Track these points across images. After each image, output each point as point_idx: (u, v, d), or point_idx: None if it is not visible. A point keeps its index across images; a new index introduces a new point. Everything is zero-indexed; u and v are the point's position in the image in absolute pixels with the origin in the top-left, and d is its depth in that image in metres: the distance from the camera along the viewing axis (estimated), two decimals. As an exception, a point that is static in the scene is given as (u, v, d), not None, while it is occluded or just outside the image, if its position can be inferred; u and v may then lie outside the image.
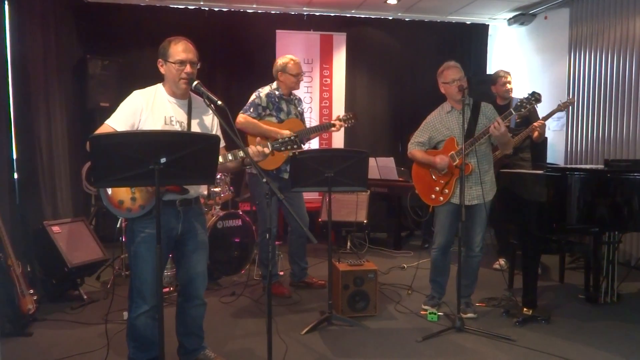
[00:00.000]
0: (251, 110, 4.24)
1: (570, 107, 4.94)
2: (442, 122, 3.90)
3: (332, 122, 4.45)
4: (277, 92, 4.34)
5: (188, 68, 2.74)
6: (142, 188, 2.63)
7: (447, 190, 3.84)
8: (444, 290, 4.07)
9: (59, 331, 3.64)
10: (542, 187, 3.81)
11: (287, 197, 4.17)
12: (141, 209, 2.65)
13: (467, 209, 3.79)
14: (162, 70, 2.80)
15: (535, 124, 4.78)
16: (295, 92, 4.54)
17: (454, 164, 3.79)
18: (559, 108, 4.84)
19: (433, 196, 3.91)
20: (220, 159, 2.79)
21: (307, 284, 4.65)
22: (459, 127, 3.80)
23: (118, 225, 4.49)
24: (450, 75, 3.79)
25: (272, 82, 4.41)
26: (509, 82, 5.05)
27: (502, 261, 5.23)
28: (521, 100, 3.66)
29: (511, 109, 3.69)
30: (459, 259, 3.67)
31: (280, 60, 4.38)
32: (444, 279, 4.05)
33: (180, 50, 2.74)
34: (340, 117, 4.49)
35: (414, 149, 3.99)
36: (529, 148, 5.12)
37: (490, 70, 7.84)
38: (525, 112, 3.86)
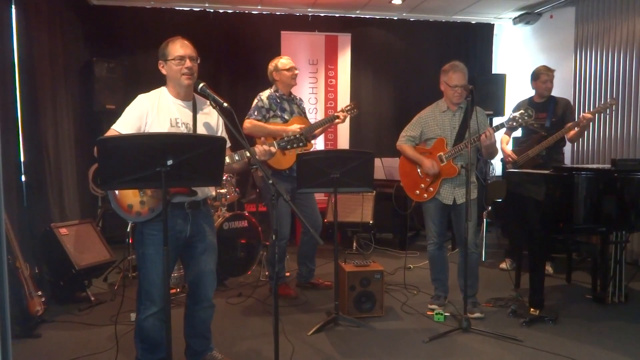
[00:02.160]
0: (255, 113, 4.26)
1: (612, 107, 4.76)
2: (436, 120, 3.92)
3: (335, 114, 4.49)
4: (277, 93, 4.36)
5: (188, 62, 2.75)
6: (151, 191, 2.65)
7: (431, 189, 3.89)
8: (447, 288, 4.09)
9: (67, 332, 3.66)
10: (549, 187, 3.80)
11: (300, 198, 4.19)
12: (151, 212, 2.66)
13: (455, 208, 3.87)
14: (163, 71, 2.81)
15: (584, 114, 4.62)
16: (299, 92, 4.56)
17: (442, 164, 3.84)
18: (600, 108, 4.70)
19: (417, 192, 3.96)
20: (227, 160, 2.80)
21: (314, 285, 4.65)
22: (451, 128, 3.86)
23: (128, 229, 4.51)
24: (455, 80, 3.80)
25: (271, 86, 4.44)
26: (550, 80, 4.89)
27: (509, 261, 5.21)
28: (514, 116, 3.73)
29: (503, 122, 3.76)
30: (461, 260, 3.67)
31: (271, 63, 4.44)
32: (444, 275, 4.07)
33: (177, 46, 2.76)
34: (343, 108, 4.54)
35: (405, 143, 4.02)
36: (562, 150, 5.08)
37: (496, 70, 7.83)
38: (517, 127, 4.06)
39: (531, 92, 5.07)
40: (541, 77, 4.90)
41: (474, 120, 3.80)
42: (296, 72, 4.41)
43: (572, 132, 4.76)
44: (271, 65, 4.42)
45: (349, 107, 4.54)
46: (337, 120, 4.46)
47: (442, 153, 3.85)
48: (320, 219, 4.52)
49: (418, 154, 3.95)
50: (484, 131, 3.67)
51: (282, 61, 4.40)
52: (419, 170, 3.96)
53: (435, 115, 3.94)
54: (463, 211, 3.79)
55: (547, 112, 4.88)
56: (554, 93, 4.99)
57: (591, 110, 4.81)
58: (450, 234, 5.37)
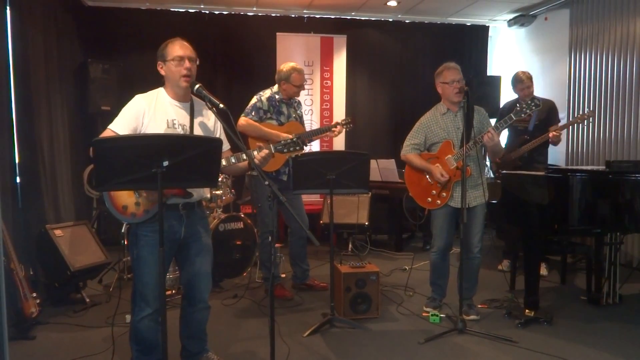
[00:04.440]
0: (253, 113, 4.26)
1: (590, 118, 4.89)
2: (438, 124, 3.88)
3: (331, 125, 4.53)
4: (277, 96, 4.37)
5: (187, 63, 2.74)
6: (146, 192, 2.64)
7: (444, 194, 3.83)
8: (445, 292, 4.08)
9: (61, 334, 3.65)
10: (544, 188, 3.81)
11: (287, 199, 4.18)
12: (146, 214, 2.65)
13: (467, 212, 3.80)
14: (162, 72, 2.80)
15: (550, 135, 4.74)
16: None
17: (452, 167, 3.79)
18: (576, 120, 4.82)
19: (429, 199, 3.90)
20: (225, 162, 2.80)
21: (309, 286, 4.65)
22: (455, 129, 3.81)
23: (123, 230, 4.50)
24: (450, 76, 3.79)
25: (273, 85, 4.43)
26: (528, 87, 4.96)
27: (506, 262, 5.22)
28: (521, 106, 3.66)
29: (511, 114, 3.67)
30: (460, 261, 3.67)
31: (284, 68, 4.36)
32: (444, 280, 4.06)
33: (177, 47, 2.76)
34: (339, 122, 4.59)
35: (410, 152, 3.96)
36: (546, 152, 5.11)
37: (491, 72, 7.85)
38: (526, 117, 3.99)
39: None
40: (518, 85, 5.01)
41: (476, 120, 3.80)
42: (304, 88, 4.48)
43: (551, 139, 4.84)
44: (283, 73, 4.34)
45: (345, 121, 4.57)
46: (329, 133, 4.52)
47: (450, 155, 3.81)
48: (306, 219, 4.53)
49: (425, 162, 3.87)
50: (486, 132, 3.61)
51: (294, 76, 4.31)
52: (427, 177, 3.89)
53: (436, 118, 3.89)
54: (473, 216, 3.79)
55: (531, 115, 4.92)
56: (551, 93, 5.03)
57: (562, 124, 4.87)
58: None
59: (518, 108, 3.64)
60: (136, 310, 2.74)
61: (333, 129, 4.50)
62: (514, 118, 3.66)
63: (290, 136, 4.06)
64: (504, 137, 5.29)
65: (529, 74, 5.04)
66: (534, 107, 3.62)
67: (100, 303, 4.27)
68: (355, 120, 4.71)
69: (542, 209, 3.78)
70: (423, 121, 3.96)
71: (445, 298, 4.11)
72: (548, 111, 5.00)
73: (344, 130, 4.59)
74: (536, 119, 4.95)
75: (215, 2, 6.70)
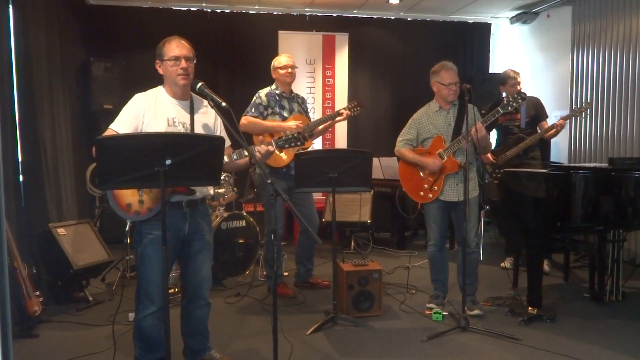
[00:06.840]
0: (252, 110, 4.26)
1: (588, 110, 4.94)
2: (430, 120, 3.92)
3: (338, 111, 4.49)
4: (277, 92, 4.37)
5: (183, 63, 2.74)
6: (149, 190, 2.64)
7: (436, 187, 3.87)
8: (447, 288, 4.10)
9: (65, 332, 3.66)
10: (547, 186, 3.81)
11: (297, 197, 4.19)
12: (149, 212, 2.66)
13: (456, 205, 3.84)
14: (160, 71, 2.81)
15: (557, 122, 4.74)
16: (297, 92, 4.57)
17: (442, 161, 3.82)
18: (575, 112, 4.83)
19: (422, 193, 3.93)
20: (226, 159, 2.80)
21: (312, 285, 4.65)
22: (446, 125, 3.86)
23: (127, 228, 4.50)
24: (448, 79, 3.83)
25: (272, 83, 4.45)
26: (519, 83, 5.02)
27: (509, 260, 5.21)
28: (507, 99, 3.72)
29: (498, 108, 3.76)
30: (459, 258, 3.67)
31: (273, 61, 4.46)
32: (444, 276, 4.07)
33: (173, 47, 2.76)
34: (344, 107, 4.53)
35: (403, 147, 4.00)
36: (539, 147, 5.12)
37: (493, 69, 7.84)
38: (512, 110, 4.08)
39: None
40: (509, 81, 5.03)
41: (470, 117, 3.80)
42: (290, 70, 4.36)
43: (549, 133, 4.87)
44: (271, 65, 4.45)
45: (351, 106, 4.52)
46: (338, 118, 4.45)
47: (441, 150, 3.85)
48: (317, 218, 4.52)
49: (417, 155, 3.93)
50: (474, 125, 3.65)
51: (279, 59, 4.41)
52: (420, 171, 3.94)
53: (429, 115, 3.95)
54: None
55: (521, 113, 4.99)
56: (554, 90, 5.03)
57: (566, 115, 4.89)
58: (449, 234, 5.38)
59: (505, 102, 3.71)
60: (140, 308, 2.75)
61: (338, 117, 4.45)
62: (502, 111, 3.76)
63: (294, 126, 4.08)
64: (494, 138, 5.30)
65: (517, 72, 5.11)
66: (520, 100, 3.73)
67: (103, 301, 4.28)
68: (362, 103, 4.61)
69: (545, 207, 3.78)
70: (415, 117, 4.02)
71: (447, 295, 4.11)
72: (536, 108, 5.06)
73: (351, 114, 4.49)
74: (526, 116, 5.02)
75: (217, 0, 6.69)
